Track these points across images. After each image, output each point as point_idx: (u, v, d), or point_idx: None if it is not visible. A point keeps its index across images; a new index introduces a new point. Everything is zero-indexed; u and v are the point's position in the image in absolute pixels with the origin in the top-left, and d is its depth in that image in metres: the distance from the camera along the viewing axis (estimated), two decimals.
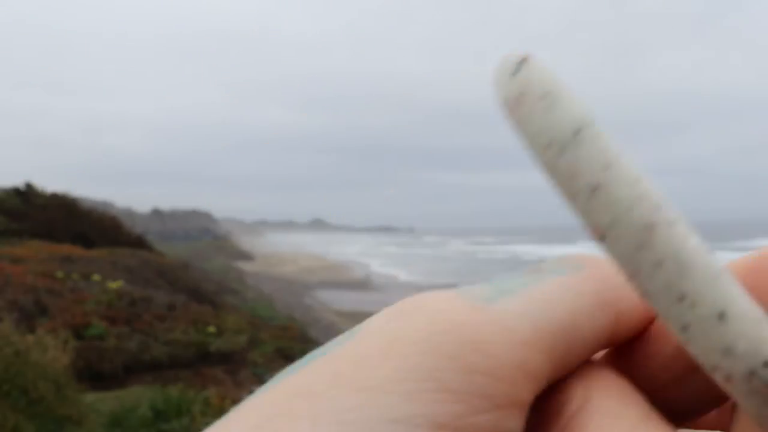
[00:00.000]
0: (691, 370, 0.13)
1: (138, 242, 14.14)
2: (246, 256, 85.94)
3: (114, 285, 6.83)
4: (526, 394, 0.13)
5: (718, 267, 0.11)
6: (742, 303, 0.11)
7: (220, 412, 4.26)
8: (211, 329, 6.56)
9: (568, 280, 0.14)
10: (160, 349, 5.55)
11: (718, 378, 0.11)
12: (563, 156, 0.12)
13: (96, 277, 7.81)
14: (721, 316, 0.11)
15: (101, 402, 4.20)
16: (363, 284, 44.36)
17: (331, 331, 22.62)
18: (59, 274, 7.40)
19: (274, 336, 12.63)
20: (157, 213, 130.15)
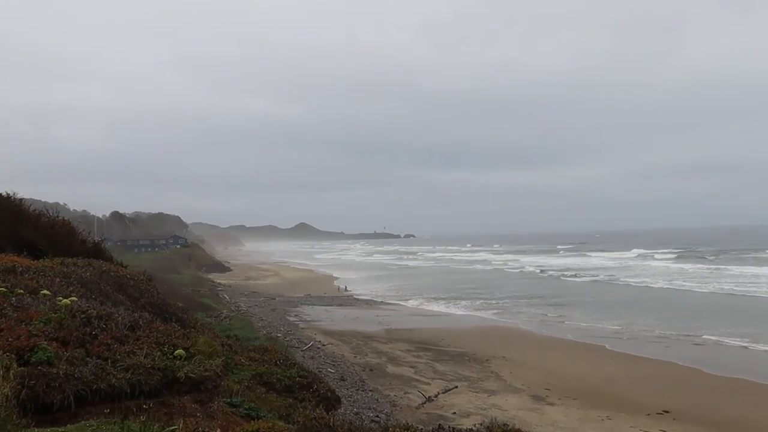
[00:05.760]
0: None
1: (95, 251, 13.99)
2: (221, 267, 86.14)
3: (66, 301, 6.73)
4: None
5: None
6: None
7: None
8: (180, 352, 6.45)
9: None
10: (120, 375, 5.45)
11: None
12: None
13: (45, 291, 7.70)
14: None
15: None
16: (352, 299, 44.63)
17: (319, 354, 22.55)
18: (1, 288, 7.29)
19: (252, 359, 12.54)
20: (117, 217, 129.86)
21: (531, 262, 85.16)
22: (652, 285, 49.22)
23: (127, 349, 6.10)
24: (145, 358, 6.02)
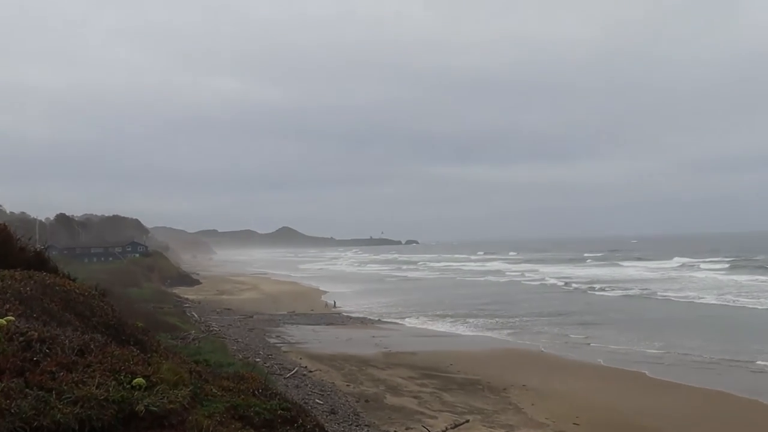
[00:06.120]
0: None
1: (36, 261, 13.88)
2: (188, 280, 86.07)
3: (1, 321, 6.63)
4: None
5: None
6: None
7: None
8: (139, 381, 6.36)
9: None
10: (66, 410, 5.35)
11: None
12: None
13: None
14: None
15: None
16: (343, 317, 44.63)
17: (305, 383, 22.48)
18: None
19: (226, 389, 12.45)
20: (64, 221, 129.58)
21: (553, 272, 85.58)
22: (698, 300, 49.34)
23: (76, 378, 5.99)
24: (97, 388, 5.91)
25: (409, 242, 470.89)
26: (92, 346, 6.93)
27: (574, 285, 66.21)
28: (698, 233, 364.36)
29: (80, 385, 5.75)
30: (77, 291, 12.24)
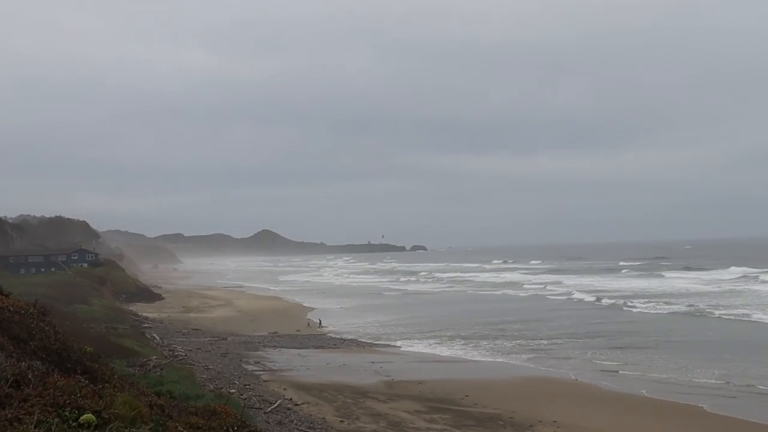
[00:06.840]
0: None
1: None
2: (148, 294, 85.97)
3: None
4: None
5: None
6: None
7: None
8: (88, 417, 6.20)
9: None
10: None
11: None
12: None
13: None
14: None
15: None
16: (337, 341, 44.47)
17: (290, 418, 22.30)
18: None
19: (194, 426, 12.21)
20: None
21: (582, 285, 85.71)
22: (759, 319, 49.16)
23: (10, 416, 5.81)
24: (35, 427, 5.72)
25: (415, 248, 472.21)
26: (30, 376, 6.72)
27: (606, 300, 66.22)
28: (761, 237, 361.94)
29: (15, 424, 5.54)
30: (11, 309, 12.04)
